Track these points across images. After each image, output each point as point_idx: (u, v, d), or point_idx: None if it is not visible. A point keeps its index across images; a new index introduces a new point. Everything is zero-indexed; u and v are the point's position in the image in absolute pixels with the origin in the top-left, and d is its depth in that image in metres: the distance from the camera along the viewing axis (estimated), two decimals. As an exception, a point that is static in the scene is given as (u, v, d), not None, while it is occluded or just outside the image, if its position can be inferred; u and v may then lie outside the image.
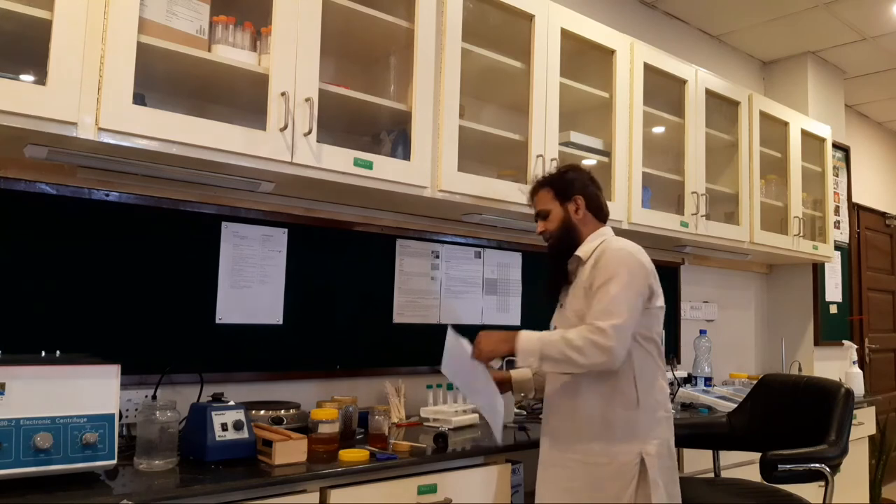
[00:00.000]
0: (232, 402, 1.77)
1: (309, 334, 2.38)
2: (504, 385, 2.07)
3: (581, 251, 1.92)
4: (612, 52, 2.86)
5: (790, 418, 2.40)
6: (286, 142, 1.90)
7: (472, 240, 2.86)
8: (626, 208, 2.85)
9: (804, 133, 3.99)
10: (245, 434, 1.71)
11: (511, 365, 2.05)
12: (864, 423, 3.75)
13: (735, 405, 2.67)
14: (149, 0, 1.72)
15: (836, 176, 4.60)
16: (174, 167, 1.85)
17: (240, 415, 1.73)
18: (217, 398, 1.82)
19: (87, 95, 1.58)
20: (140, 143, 1.67)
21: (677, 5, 3.84)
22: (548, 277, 2.02)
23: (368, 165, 2.07)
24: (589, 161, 2.80)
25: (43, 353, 1.67)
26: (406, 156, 2.20)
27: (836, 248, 4.37)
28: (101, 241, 1.99)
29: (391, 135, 2.31)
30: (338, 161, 2.01)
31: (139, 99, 1.71)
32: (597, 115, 2.90)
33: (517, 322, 3.01)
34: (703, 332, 3.58)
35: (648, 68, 3.00)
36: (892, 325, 5.55)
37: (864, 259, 5.14)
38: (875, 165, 5.65)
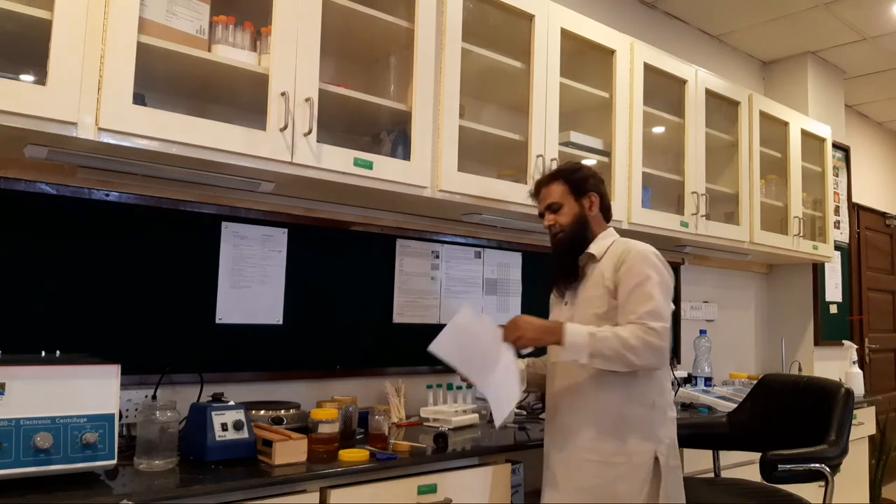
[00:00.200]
0: (232, 402, 1.77)
1: (309, 334, 2.38)
2: None
3: (594, 248, 1.91)
4: (612, 52, 2.86)
5: (790, 418, 2.40)
6: (286, 142, 1.90)
7: (472, 240, 2.86)
8: (626, 208, 2.84)
9: (804, 133, 3.99)
10: (245, 434, 1.71)
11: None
12: (864, 423, 3.75)
13: (735, 405, 2.67)
14: (149, 0, 1.72)
15: (836, 176, 4.59)
16: (174, 167, 1.85)
17: (240, 415, 1.73)
18: (217, 398, 1.82)
19: (87, 95, 1.58)
20: (140, 143, 1.67)
21: (677, 5, 3.84)
22: (553, 273, 1.98)
23: (368, 165, 2.07)
24: (589, 161, 2.79)
25: (43, 353, 1.67)
26: (406, 156, 2.20)
27: (836, 248, 4.37)
28: (101, 241, 1.99)
29: (391, 135, 2.31)
30: (338, 161, 2.01)
31: (139, 99, 1.71)
32: (597, 115, 2.90)
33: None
34: (703, 332, 3.58)
35: (648, 68, 3.00)
36: (892, 325, 5.54)
37: (864, 259, 5.13)
38: (875, 165, 5.65)
